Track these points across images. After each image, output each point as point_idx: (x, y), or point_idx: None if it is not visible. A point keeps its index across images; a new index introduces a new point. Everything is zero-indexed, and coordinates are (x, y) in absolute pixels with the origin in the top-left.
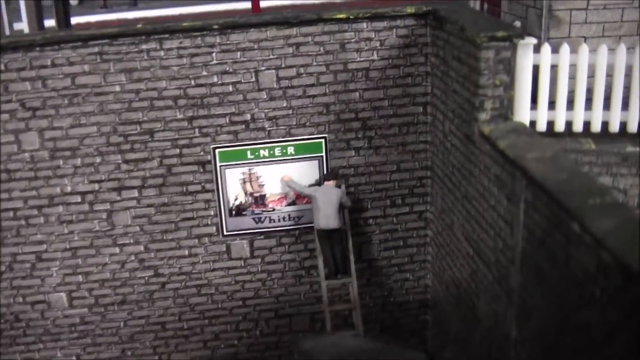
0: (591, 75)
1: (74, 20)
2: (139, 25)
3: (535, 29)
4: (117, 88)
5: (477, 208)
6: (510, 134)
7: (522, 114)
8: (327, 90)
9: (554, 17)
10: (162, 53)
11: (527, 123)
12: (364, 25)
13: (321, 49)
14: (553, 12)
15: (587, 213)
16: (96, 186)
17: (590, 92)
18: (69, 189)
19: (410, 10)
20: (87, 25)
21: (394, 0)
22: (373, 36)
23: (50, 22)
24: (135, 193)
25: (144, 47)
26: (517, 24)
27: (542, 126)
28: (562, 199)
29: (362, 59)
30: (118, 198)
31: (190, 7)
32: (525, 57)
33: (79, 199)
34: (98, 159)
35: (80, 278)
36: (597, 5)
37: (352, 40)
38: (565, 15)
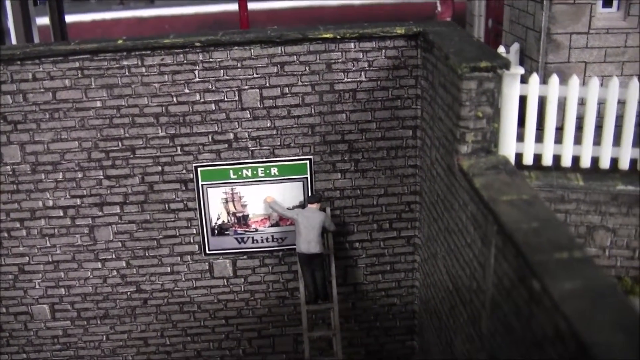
0: (583, 103)
1: (90, 17)
2: (120, 41)
3: (534, 52)
4: (98, 104)
5: (457, 243)
6: (489, 171)
7: (508, 146)
8: (313, 111)
9: (553, 41)
10: (143, 69)
11: (513, 156)
12: (352, 45)
13: (307, 68)
14: (552, 35)
15: (549, 271)
16: (78, 201)
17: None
18: (50, 203)
19: (399, 30)
20: (103, 22)
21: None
22: (361, 57)
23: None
24: (117, 209)
25: (125, 63)
26: (516, 46)
27: (528, 159)
28: (528, 253)
29: (349, 79)
30: (100, 213)
31: (207, 6)
32: (512, 88)
33: (60, 213)
34: (79, 174)
35: (62, 291)
36: (600, 30)
37: (339, 60)
38: (564, 40)
